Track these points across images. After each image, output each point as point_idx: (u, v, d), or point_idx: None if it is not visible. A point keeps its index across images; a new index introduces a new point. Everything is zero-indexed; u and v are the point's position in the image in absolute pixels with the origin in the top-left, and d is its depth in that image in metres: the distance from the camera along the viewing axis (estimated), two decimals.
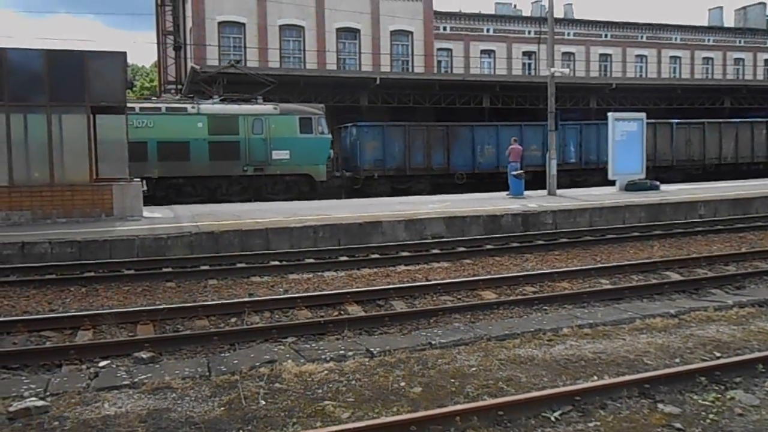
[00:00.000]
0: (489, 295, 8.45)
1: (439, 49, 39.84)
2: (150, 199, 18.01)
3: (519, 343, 5.92)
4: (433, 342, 6.02)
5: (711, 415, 4.31)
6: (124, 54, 14.34)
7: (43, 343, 6.68)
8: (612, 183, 20.64)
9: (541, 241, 12.81)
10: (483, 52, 42.60)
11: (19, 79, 13.59)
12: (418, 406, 4.45)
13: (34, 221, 13.42)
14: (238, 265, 10.45)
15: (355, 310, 7.75)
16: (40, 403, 4.52)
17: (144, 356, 5.98)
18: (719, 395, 4.63)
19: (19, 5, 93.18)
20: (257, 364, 5.41)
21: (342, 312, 7.74)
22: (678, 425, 4.15)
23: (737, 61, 49.80)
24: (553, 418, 4.27)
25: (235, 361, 5.55)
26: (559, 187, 19.76)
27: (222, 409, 4.49)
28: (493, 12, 46.86)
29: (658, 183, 20.53)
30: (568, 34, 44.55)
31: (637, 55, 46.63)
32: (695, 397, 4.62)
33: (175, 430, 4.18)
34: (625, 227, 14.41)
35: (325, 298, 8.14)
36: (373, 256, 11.31)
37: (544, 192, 19.24)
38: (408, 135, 24.50)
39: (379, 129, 24.31)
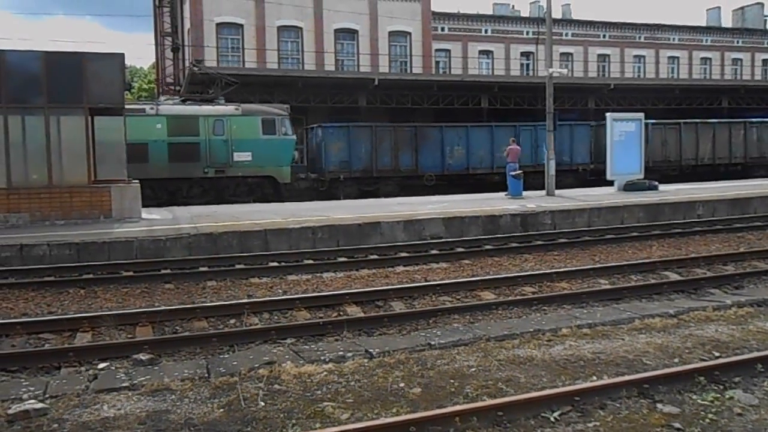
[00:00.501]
0: (488, 296, 8.45)
1: (437, 50, 39.85)
2: None
3: (518, 343, 5.93)
4: (433, 343, 6.02)
5: (710, 415, 4.31)
6: (121, 56, 14.38)
7: (42, 346, 6.67)
8: (610, 183, 20.67)
9: (540, 242, 12.81)
10: (481, 52, 42.61)
11: (17, 81, 13.58)
12: (417, 407, 4.45)
13: (33, 223, 13.40)
14: (237, 267, 10.44)
15: (354, 311, 7.75)
16: (39, 405, 4.52)
17: (143, 358, 5.97)
18: (718, 395, 4.64)
19: (15, 7, 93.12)
20: (256, 365, 5.41)
21: (341, 313, 7.74)
22: (677, 425, 4.16)
23: (735, 61, 49.84)
24: (552, 419, 4.27)
25: (234, 363, 5.54)
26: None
27: (221, 410, 4.48)
28: (491, 12, 46.85)
29: (656, 183, 20.56)
30: (566, 35, 44.58)
31: (636, 56, 46.65)
32: (694, 396, 4.62)
33: None
34: (624, 227, 14.42)
35: (324, 299, 8.13)
36: (372, 257, 11.30)
37: (543, 192, 19.26)
38: (375, 136, 24.09)
39: (345, 130, 23.99)
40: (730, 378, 4.89)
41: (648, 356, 5.49)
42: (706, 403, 4.51)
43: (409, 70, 36.51)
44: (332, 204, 18.28)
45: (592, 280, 9.28)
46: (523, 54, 43.81)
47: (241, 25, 33.82)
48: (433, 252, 11.78)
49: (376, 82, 26.32)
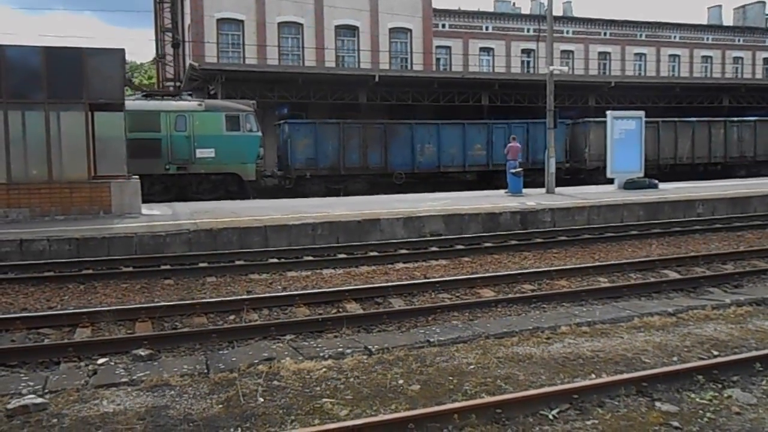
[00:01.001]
0: (487, 293, 8.46)
1: (438, 47, 39.81)
2: None
3: (517, 341, 5.93)
4: (432, 340, 6.03)
5: (708, 414, 4.32)
6: (122, 51, 14.31)
7: (42, 341, 6.68)
8: (610, 181, 20.67)
9: (539, 239, 12.81)
10: (482, 49, 42.57)
11: (17, 76, 13.55)
12: (416, 404, 4.46)
13: (33, 218, 13.40)
14: (237, 263, 10.45)
15: (353, 308, 7.76)
16: (39, 400, 4.52)
17: (142, 353, 5.98)
18: (717, 394, 4.64)
19: (16, 2, 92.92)
20: (256, 361, 5.41)
21: (340, 309, 7.75)
22: (675, 423, 4.16)
23: (736, 59, 49.81)
24: (551, 416, 4.28)
25: (234, 359, 5.55)
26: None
27: (220, 406, 4.49)
28: (492, 9, 46.86)
29: (656, 181, 20.56)
30: (567, 32, 44.54)
31: (636, 54, 46.62)
32: (693, 395, 4.63)
33: (174, 428, 4.18)
34: (624, 225, 14.42)
35: (324, 295, 8.14)
36: (372, 253, 11.31)
37: (542, 190, 19.26)
38: (342, 133, 23.76)
39: (311, 126, 23.72)
40: (729, 377, 4.90)
41: (647, 354, 5.49)
42: (704, 401, 4.52)
43: (409, 67, 36.49)
44: (332, 200, 18.27)
45: (591, 278, 9.30)
46: (523, 51, 43.78)
47: (242, 21, 33.77)
48: (433, 249, 11.78)
49: (377, 79, 26.28)
